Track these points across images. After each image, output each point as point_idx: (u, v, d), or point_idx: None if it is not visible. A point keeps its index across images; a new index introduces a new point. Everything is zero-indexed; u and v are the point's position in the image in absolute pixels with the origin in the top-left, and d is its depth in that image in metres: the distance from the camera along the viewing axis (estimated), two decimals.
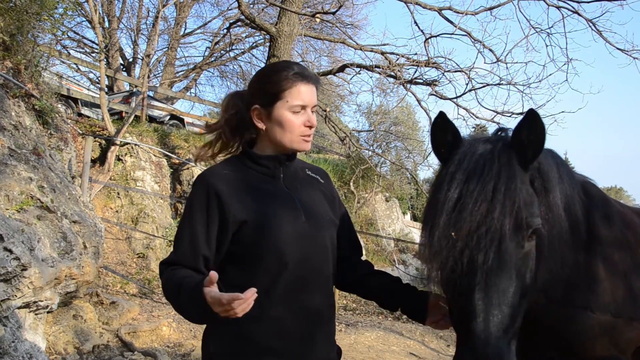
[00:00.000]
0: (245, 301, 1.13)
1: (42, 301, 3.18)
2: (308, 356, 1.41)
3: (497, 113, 8.18)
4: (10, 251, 2.81)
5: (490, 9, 7.70)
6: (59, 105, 6.96)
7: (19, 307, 3.02)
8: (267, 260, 1.36)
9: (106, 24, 16.43)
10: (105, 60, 13.27)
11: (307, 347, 1.40)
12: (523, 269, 1.29)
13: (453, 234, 1.26)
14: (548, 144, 1.50)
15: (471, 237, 1.24)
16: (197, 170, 9.17)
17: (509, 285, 1.25)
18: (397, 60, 8.12)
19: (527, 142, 1.32)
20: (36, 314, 3.33)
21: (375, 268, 1.69)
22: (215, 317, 1.20)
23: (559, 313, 1.69)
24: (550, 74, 19.76)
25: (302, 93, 1.42)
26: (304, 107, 1.43)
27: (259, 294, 1.30)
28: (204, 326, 1.47)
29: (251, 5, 14.30)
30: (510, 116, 8.04)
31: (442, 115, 1.42)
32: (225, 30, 18.02)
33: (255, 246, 1.37)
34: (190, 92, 20.16)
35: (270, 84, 1.44)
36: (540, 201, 1.39)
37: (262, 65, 10.78)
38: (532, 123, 1.30)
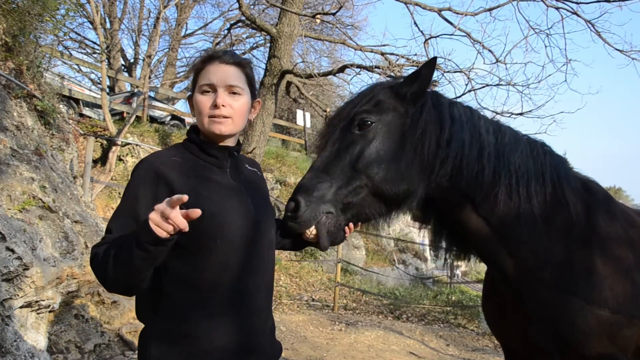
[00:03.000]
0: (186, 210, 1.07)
1: (43, 300, 3.18)
2: (257, 348, 1.39)
3: (497, 113, 8.19)
4: (13, 251, 2.81)
5: (490, 9, 7.73)
6: (61, 106, 6.98)
7: (21, 307, 3.02)
8: (220, 251, 1.32)
9: (108, 25, 16.48)
10: (106, 61, 13.30)
11: (256, 339, 1.39)
12: (351, 148, 1.68)
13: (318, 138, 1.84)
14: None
15: (325, 127, 1.82)
16: None
17: (328, 152, 1.70)
18: (397, 60, 8.14)
19: (426, 76, 1.73)
20: (38, 313, 3.34)
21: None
22: (154, 256, 1.13)
23: (549, 295, 1.70)
24: (550, 75, 19.85)
25: (210, 73, 1.40)
26: (212, 87, 1.39)
27: (206, 287, 1.30)
28: None
29: (252, 6, 14.33)
30: (509, 116, 8.05)
31: None
32: (226, 31, 18.07)
33: (210, 237, 1.30)
34: None
35: (193, 72, 1.46)
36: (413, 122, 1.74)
37: (263, 66, 10.81)
38: (432, 65, 1.74)
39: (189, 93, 1.50)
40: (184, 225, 1.08)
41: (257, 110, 1.56)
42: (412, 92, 1.74)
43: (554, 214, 1.76)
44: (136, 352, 4.43)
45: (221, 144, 1.45)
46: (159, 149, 9.00)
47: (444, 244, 1.90)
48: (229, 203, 1.38)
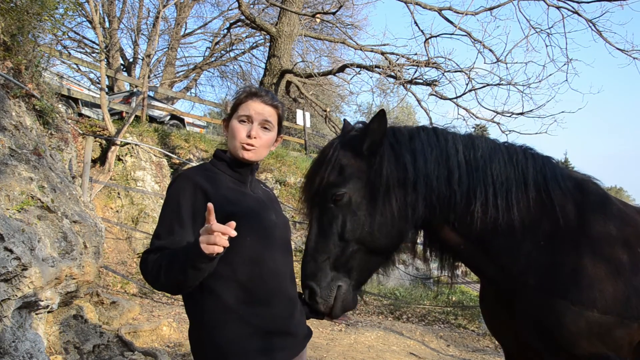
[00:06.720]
0: (226, 229, 1.25)
1: (42, 301, 3.18)
2: (291, 329, 1.59)
3: (497, 113, 8.19)
4: (11, 251, 2.80)
5: (491, 9, 7.72)
6: (60, 106, 6.96)
7: (20, 307, 3.01)
8: (251, 248, 1.52)
9: (107, 24, 16.46)
10: (105, 60, 13.28)
11: (290, 321, 1.59)
12: (334, 221, 1.75)
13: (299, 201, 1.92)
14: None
15: (303, 201, 1.88)
16: None
17: (315, 230, 1.78)
18: (397, 60, 8.13)
19: (376, 129, 1.75)
20: (37, 314, 3.33)
21: None
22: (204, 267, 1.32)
23: (535, 298, 1.71)
24: (550, 74, 19.84)
25: (250, 106, 1.66)
26: (249, 119, 1.65)
27: (243, 280, 1.51)
28: None
29: (251, 6, 14.33)
30: (510, 116, 8.05)
31: None
32: (225, 31, 18.07)
33: (241, 237, 1.43)
34: (191, 92, 20.20)
35: (233, 101, 1.73)
36: (374, 171, 1.78)
37: (263, 65, 10.80)
38: (382, 118, 1.75)
39: (225, 117, 1.76)
40: (225, 229, 1.24)
41: (278, 143, 1.81)
42: (367, 148, 1.79)
43: (540, 217, 1.77)
44: (135, 352, 4.44)
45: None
46: (158, 148, 8.92)
47: (437, 254, 1.97)
48: (253, 207, 1.62)
